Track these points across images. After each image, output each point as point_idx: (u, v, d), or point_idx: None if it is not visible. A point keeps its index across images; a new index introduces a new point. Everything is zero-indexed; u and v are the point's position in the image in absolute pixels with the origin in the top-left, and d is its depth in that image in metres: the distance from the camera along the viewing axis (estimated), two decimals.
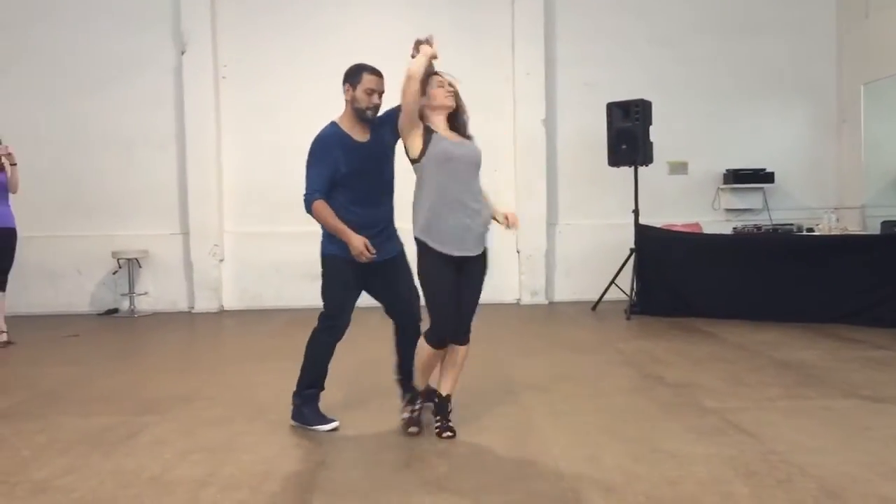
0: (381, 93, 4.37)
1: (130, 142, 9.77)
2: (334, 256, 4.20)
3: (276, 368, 5.88)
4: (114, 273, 9.63)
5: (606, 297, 8.66)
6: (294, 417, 4.24)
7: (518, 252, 9.71)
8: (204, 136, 9.61)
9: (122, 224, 9.75)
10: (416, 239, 4.04)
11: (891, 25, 9.21)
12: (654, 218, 8.65)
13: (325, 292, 4.33)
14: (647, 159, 8.34)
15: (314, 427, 4.14)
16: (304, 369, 4.33)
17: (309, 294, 9.67)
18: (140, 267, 9.66)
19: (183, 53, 9.58)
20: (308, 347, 4.36)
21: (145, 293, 9.70)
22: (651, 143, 8.32)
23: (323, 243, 4.29)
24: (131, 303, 9.54)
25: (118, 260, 9.48)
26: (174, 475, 3.46)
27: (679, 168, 10.04)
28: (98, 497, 3.22)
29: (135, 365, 6.40)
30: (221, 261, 9.72)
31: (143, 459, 3.69)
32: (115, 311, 9.62)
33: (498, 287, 9.68)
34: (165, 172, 9.77)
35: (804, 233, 8.12)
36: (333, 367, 5.83)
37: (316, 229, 9.83)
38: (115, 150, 9.76)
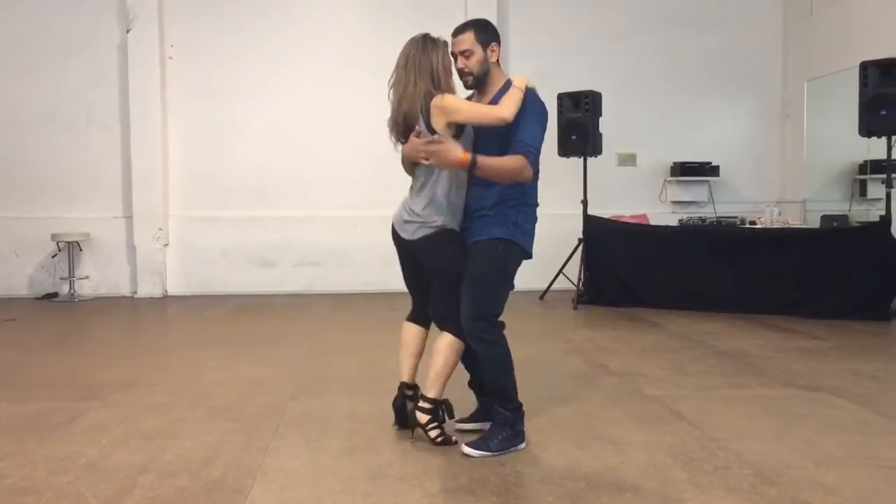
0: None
1: (72, 121, 9.51)
2: (521, 248, 3.54)
3: (221, 354, 5.82)
4: (53, 256, 9.38)
5: (554, 286, 8.73)
6: (498, 446, 3.43)
7: None
8: (149, 118, 9.40)
9: (63, 206, 9.50)
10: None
11: (834, 23, 9.44)
12: (602, 209, 8.74)
13: (507, 286, 3.54)
14: (596, 150, 8.41)
15: (518, 446, 3.49)
16: (506, 384, 3.50)
17: (256, 279, 9.68)
18: (81, 250, 9.42)
19: (128, 32, 9.35)
20: (500, 360, 3.50)
21: (86, 277, 9.48)
22: (600, 135, 8.39)
23: (510, 228, 3.48)
24: (71, 287, 9.31)
25: (58, 243, 9.24)
26: (111, 461, 3.39)
27: (628, 160, 10.16)
28: (31, 484, 3.13)
29: (74, 350, 6.26)
30: (166, 245, 9.55)
31: (79, 445, 3.61)
32: (55, 295, 9.38)
33: None
34: (109, 154, 9.54)
35: (747, 225, 8.29)
36: (280, 355, 5.81)
37: (262, 214, 9.67)
38: (57, 130, 9.50)
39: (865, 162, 9.11)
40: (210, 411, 4.21)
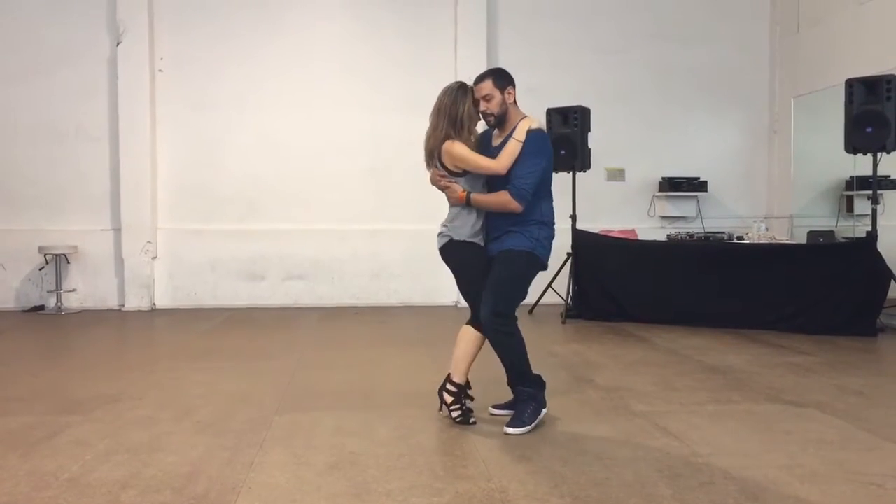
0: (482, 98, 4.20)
1: (61, 133, 9.49)
2: (539, 260, 4.19)
3: (208, 368, 5.79)
4: (40, 269, 9.34)
5: (543, 300, 8.73)
6: (530, 419, 4.09)
7: None
8: (138, 130, 9.39)
9: (50, 218, 9.46)
10: None
11: (820, 41, 9.53)
12: (591, 223, 8.77)
13: (524, 289, 4.21)
14: (584, 165, 8.44)
15: (543, 412, 4.18)
16: (524, 368, 4.18)
17: (245, 293, 9.66)
18: (68, 263, 9.38)
19: (118, 44, 9.35)
20: (517, 349, 4.14)
21: (73, 290, 9.43)
22: (589, 150, 8.43)
23: (532, 242, 4.12)
24: (58, 300, 9.26)
25: (45, 255, 9.20)
26: (94, 477, 3.36)
27: (616, 175, 10.21)
28: (13, 499, 3.10)
29: (60, 364, 6.22)
30: (154, 258, 9.51)
31: (62, 460, 3.58)
32: (41, 308, 9.33)
33: (435, 289, 9.72)
34: (97, 166, 9.52)
35: (734, 241, 8.32)
36: (267, 369, 5.79)
37: (251, 227, 9.68)
38: (46, 142, 9.47)
39: (852, 178, 9.18)
40: (195, 426, 4.19)
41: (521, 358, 4.16)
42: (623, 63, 10.18)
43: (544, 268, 4.25)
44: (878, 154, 7.26)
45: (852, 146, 7.39)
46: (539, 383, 4.25)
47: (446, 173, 4.16)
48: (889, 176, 8.50)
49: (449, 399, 4.19)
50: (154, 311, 9.36)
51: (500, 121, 4.20)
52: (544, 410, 4.19)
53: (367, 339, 7.31)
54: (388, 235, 9.80)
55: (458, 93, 4.15)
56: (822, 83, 9.32)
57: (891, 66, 7.71)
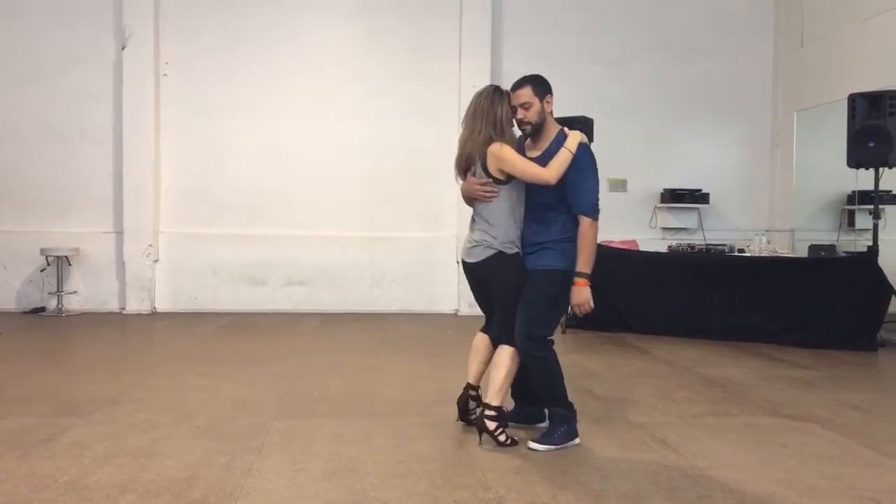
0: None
1: (66, 136, 9.50)
2: (572, 278, 3.96)
3: (208, 373, 5.79)
4: (42, 270, 9.34)
5: None
6: (560, 440, 3.95)
7: (458, 262, 9.74)
8: (142, 134, 9.41)
9: (53, 220, 9.47)
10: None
11: (824, 55, 9.55)
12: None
13: (559, 311, 4.10)
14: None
15: (574, 441, 4.01)
16: (557, 392, 4.04)
17: (245, 297, 9.66)
18: (70, 265, 9.39)
19: (123, 48, 9.37)
20: (551, 373, 3.99)
21: (74, 292, 9.44)
22: None
23: (568, 261, 3.95)
24: (59, 302, 9.27)
25: (47, 257, 9.21)
26: (92, 480, 3.37)
27: (618, 185, 10.22)
28: (11, 500, 3.11)
29: (60, 365, 6.22)
30: (156, 261, 9.52)
31: (61, 463, 3.59)
32: (42, 309, 9.33)
33: (436, 297, 9.73)
34: (101, 169, 9.53)
35: (735, 253, 8.32)
36: (267, 375, 5.79)
37: (253, 233, 9.68)
38: (50, 145, 9.48)
39: (854, 192, 9.19)
40: (194, 430, 4.19)
41: (555, 382, 4.00)
42: (627, 75, 10.21)
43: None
44: (880, 169, 7.27)
45: (854, 160, 7.41)
46: (572, 409, 4.08)
47: (490, 180, 3.92)
48: (891, 191, 8.52)
49: (492, 425, 3.93)
50: (154, 315, 9.36)
51: (537, 130, 4.00)
52: (577, 440, 4.01)
53: (367, 347, 7.31)
54: (390, 243, 9.81)
55: (495, 95, 3.98)
56: (825, 97, 9.34)
57: (894, 82, 7.73)
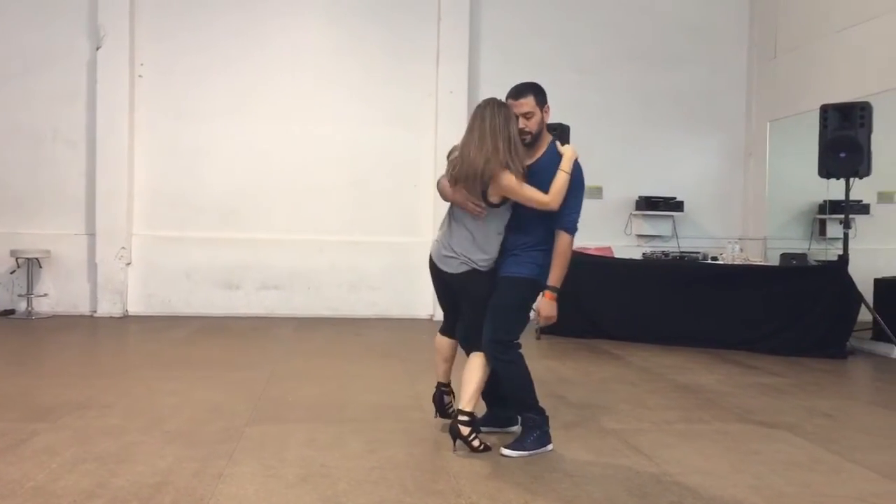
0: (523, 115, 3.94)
1: (38, 137, 9.39)
2: (542, 287, 3.96)
3: (180, 377, 5.74)
4: (11, 272, 9.22)
5: None
6: (532, 446, 3.95)
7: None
8: (116, 136, 9.32)
9: (24, 222, 9.35)
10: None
11: (797, 66, 9.68)
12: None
13: (524, 317, 4.04)
14: None
15: (547, 447, 4.00)
16: (525, 397, 4.04)
17: (219, 301, 9.59)
18: (41, 267, 9.27)
19: (98, 49, 9.29)
20: (518, 376, 4.00)
21: (45, 295, 9.32)
22: None
23: (536, 269, 3.94)
24: (29, 304, 9.15)
25: (17, 259, 9.09)
26: (60, 485, 3.32)
27: (594, 192, 10.26)
28: None
29: (28, 369, 6.14)
30: (128, 264, 9.43)
31: (27, 468, 3.53)
32: (12, 312, 9.20)
33: (413, 302, 9.73)
34: (73, 171, 9.43)
35: (709, 261, 8.39)
36: (240, 380, 5.75)
37: (228, 236, 9.62)
38: (21, 145, 9.37)
39: (825, 202, 9.31)
40: (165, 436, 4.15)
41: (524, 387, 4.01)
42: (603, 83, 10.28)
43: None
44: (851, 179, 7.37)
45: (826, 171, 7.51)
46: (544, 415, 4.07)
47: (484, 205, 3.85)
48: (861, 201, 8.65)
49: (466, 430, 3.90)
50: (126, 318, 9.27)
51: (536, 139, 3.95)
52: (550, 446, 4.00)
53: (342, 351, 7.28)
54: (368, 247, 9.79)
55: (509, 112, 3.83)
56: (797, 108, 9.47)
57: (865, 93, 7.86)
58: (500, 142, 3.76)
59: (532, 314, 4.05)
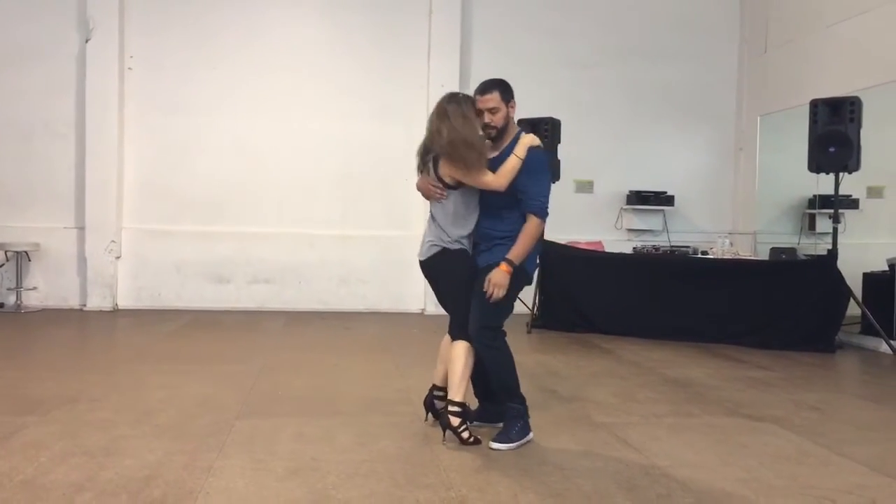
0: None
1: (28, 130, 9.34)
2: (527, 274, 4.10)
3: (170, 371, 5.73)
4: (0, 266, 9.17)
5: None
6: (517, 436, 3.97)
7: None
8: (105, 129, 9.27)
9: (13, 215, 9.30)
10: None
11: (787, 61, 9.71)
12: (558, 234, 8.78)
13: (510, 305, 4.09)
14: (554, 176, 8.47)
15: (530, 436, 4.04)
16: (511, 383, 4.05)
17: (210, 295, 9.56)
18: (30, 260, 9.23)
19: (87, 41, 9.23)
20: (504, 363, 4.03)
21: (34, 288, 9.28)
22: (558, 161, 8.49)
23: (527, 258, 4.02)
24: (18, 298, 9.11)
25: (6, 252, 9.04)
26: (49, 479, 3.31)
27: (585, 187, 10.30)
28: None
29: (17, 363, 6.11)
30: (118, 257, 9.39)
31: (16, 462, 3.52)
32: (1, 305, 9.16)
33: (402, 296, 9.73)
34: (63, 163, 9.38)
35: (699, 255, 8.42)
36: (230, 373, 5.74)
37: (218, 230, 9.63)
38: (10, 138, 9.31)
39: (815, 197, 9.34)
40: (154, 429, 4.14)
41: (510, 373, 4.03)
42: (594, 78, 10.27)
43: (529, 282, 4.18)
44: (840, 174, 7.40)
45: (815, 165, 7.53)
46: (525, 404, 4.09)
47: (441, 185, 3.99)
48: (850, 195, 8.67)
49: (456, 421, 3.92)
50: (116, 312, 9.24)
51: (501, 134, 4.05)
52: (531, 435, 4.05)
53: (333, 345, 7.28)
54: (358, 241, 9.77)
55: (462, 98, 4.00)
56: (787, 103, 9.48)
57: (855, 88, 7.87)
58: (444, 123, 3.89)
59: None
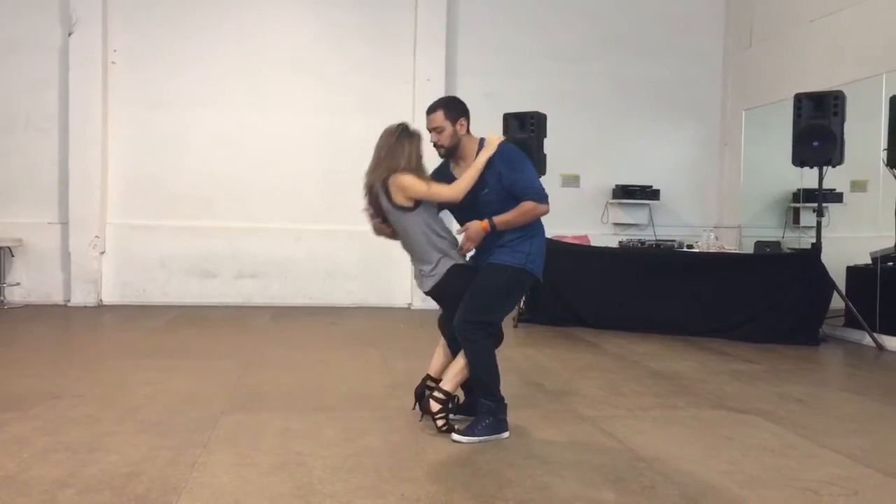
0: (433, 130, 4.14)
1: (10, 124, 9.25)
2: (531, 275, 4.11)
3: (154, 367, 5.69)
4: None
5: None
6: (483, 432, 3.95)
7: None
8: (89, 123, 9.20)
9: None
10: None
11: (771, 56, 9.75)
12: (545, 228, 8.81)
13: (502, 303, 4.11)
14: (539, 171, 8.47)
15: (501, 434, 4.01)
16: (485, 380, 4.04)
17: (195, 290, 9.52)
18: (13, 256, 9.15)
19: (70, 34, 9.14)
20: (480, 359, 4.00)
21: (17, 284, 9.20)
22: (545, 155, 8.49)
23: (522, 257, 4.06)
24: (1, 293, 9.03)
25: None
26: (31, 475, 3.29)
27: (571, 181, 10.31)
28: None
29: None
30: (102, 253, 9.32)
31: None
32: None
33: (389, 291, 9.72)
34: (45, 158, 9.30)
35: (684, 249, 8.44)
36: (215, 369, 5.71)
37: (204, 224, 9.56)
38: None
39: (799, 190, 9.39)
40: (138, 425, 4.11)
41: (486, 370, 4.01)
42: (580, 72, 10.28)
43: (538, 281, 4.18)
44: (824, 168, 7.44)
45: (799, 159, 7.56)
46: (502, 402, 4.07)
47: (373, 212, 4.10)
48: (834, 189, 8.72)
49: (436, 407, 3.99)
50: (101, 307, 9.18)
51: (451, 153, 4.12)
52: (505, 434, 4.00)
53: (319, 340, 7.27)
54: (344, 236, 9.74)
55: (402, 133, 4.04)
56: (772, 97, 9.53)
57: (838, 83, 7.92)
58: (384, 158, 3.98)
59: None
